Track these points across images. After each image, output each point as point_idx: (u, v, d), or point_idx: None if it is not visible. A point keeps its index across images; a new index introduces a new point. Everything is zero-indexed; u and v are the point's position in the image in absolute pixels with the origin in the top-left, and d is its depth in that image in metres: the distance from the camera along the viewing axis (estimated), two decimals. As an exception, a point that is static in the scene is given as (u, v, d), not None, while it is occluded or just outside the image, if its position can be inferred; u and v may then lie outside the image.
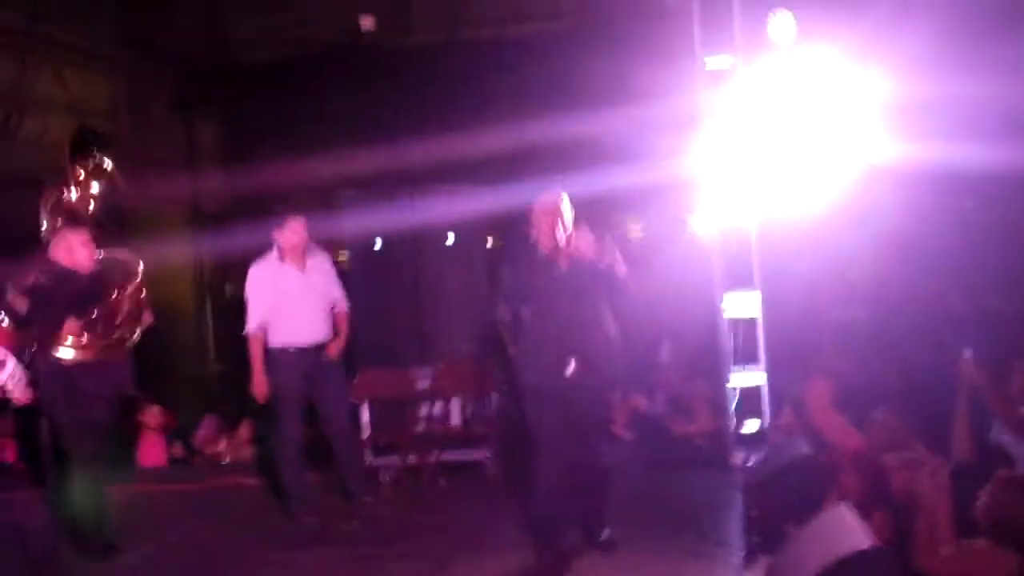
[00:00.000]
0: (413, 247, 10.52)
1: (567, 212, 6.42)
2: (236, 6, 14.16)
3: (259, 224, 8.77)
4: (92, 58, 14.14)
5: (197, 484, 9.52)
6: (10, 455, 10.30)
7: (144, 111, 14.46)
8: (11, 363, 6.32)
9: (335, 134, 14.27)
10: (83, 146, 7.59)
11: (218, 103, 14.71)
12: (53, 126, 13.58)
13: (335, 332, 7.94)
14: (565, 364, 6.32)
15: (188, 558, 7.27)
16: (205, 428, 10.94)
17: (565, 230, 6.36)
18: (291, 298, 7.71)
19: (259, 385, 7.71)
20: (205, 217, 14.40)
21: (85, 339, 6.98)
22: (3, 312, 6.70)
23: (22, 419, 10.02)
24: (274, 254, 7.77)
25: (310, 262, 7.81)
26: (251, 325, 7.75)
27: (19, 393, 6.37)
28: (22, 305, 6.77)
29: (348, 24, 13.72)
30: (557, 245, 6.34)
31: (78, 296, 6.99)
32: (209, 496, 9.06)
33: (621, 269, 6.43)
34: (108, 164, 7.61)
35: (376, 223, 10.50)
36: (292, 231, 7.69)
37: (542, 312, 6.45)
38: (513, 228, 6.93)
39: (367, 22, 13.50)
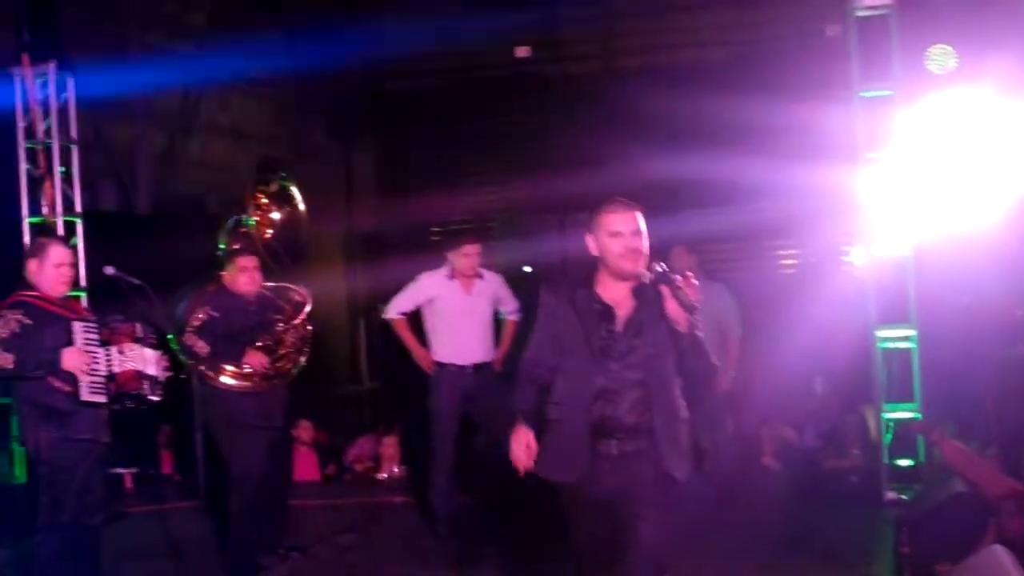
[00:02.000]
0: (562, 272, 10.58)
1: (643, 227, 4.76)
2: (392, 35, 14.41)
3: (413, 247, 8.85)
4: (255, 85, 14.55)
5: (346, 500, 9.62)
6: (166, 466, 10.58)
7: (303, 138, 14.82)
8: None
9: (488, 161, 14.46)
10: (266, 172, 7.78)
11: (374, 130, 15.00)
12: (215, 150, 14.02)
13: (499, 341, 8.02)
14: (608, 455, 4.64)
15: (332, 573, 7.37)
16: (358, 446, 11.08)
17: (644, 249, 4.72)
18: (449, 316, 7.82)
19: (422, 357, 7.87)
20: (360, 241, 14.68)
21: (247, 368, 7.04)
22: (186, 355, 6.86)
23: (178, 431, 10.32)
24: (445, 270, 7.88)
25: (478, 285, 7.89)
26: (390, 311, 7.98)
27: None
28: (202, 347, 6.94)
29: (502, 53, 13.87)
30: (635, 268, 4.69)
31: (244, 323, 7.13)
32: (358, 513, 9.15)
33: (678, 311, 4.52)
34: (293, 193, 7.79)
35: (527, 248, 10.59)
36: (465, 255, 7.80)
37: (579, 380, 4.74)
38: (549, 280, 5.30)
39: (522, 51, 13.64)
